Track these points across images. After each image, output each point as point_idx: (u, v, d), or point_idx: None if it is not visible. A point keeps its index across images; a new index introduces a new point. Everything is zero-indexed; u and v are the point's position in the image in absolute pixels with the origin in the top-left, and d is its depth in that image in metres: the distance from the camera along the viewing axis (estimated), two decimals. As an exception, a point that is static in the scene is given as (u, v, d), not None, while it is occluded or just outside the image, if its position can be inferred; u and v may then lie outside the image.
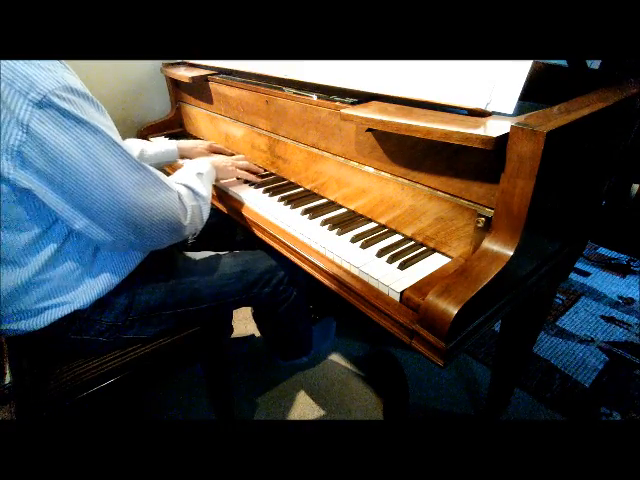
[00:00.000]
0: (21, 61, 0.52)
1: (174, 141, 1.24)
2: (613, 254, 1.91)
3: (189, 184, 0.80)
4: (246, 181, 1.11)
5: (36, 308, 0.69)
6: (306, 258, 0.81)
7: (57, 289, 0.70)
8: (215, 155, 1.21)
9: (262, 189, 1.05)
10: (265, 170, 1.18)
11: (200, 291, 0.86)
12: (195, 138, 1.53)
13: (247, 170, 1.11)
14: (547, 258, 0.74)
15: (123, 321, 0.78)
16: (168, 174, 1.29)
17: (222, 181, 1.12)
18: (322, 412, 1.18)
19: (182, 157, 1.23)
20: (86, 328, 0.75)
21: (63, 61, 0.62)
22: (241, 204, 1.02)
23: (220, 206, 1.10)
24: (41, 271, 0.67)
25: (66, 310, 0.71)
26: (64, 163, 0.56)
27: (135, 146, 1.10)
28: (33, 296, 0.69)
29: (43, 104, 0.53)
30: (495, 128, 0.58)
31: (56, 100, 0.53)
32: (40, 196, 0.59)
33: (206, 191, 0.84)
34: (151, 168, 0.67)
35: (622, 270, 1.81)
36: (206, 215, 0.82)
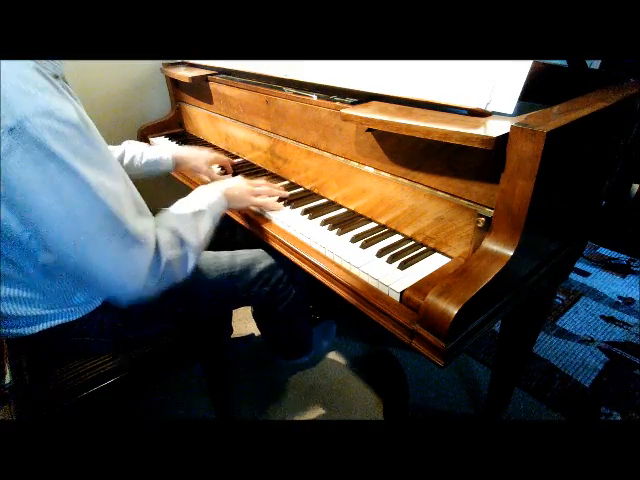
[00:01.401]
0: (3, 84, 0.48)
1: (171, 150, 1.12)
2: (613, 254, 1.91)
3: (178, 229, 0.70)
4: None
5: (31, 316, 0.69)
6: (306, 258, 0.81)
7: (52, 302, 0.69)
8: (228, 177, 1.07)
9: (262, 189, 1.05)
10: (265, 170, 1.18)
11: (199, 290, 0.86)
12: (195, 138, 1.54)
13: (268, 195, 0.97)
14: (547, 258, 0.74)
15: (123, 322, 0.78)
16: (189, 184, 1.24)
17: None
18: (322, 412, 1.18)
19: (179, 167, 1.13)
20: (87, 329, 0.75)
21: (59, 84, 0.58)
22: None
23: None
24: (33, 286, 0.66)
25: (62, 320, 0.71)
26: (27, 197, 0.51)
27: (129, 151, 1.07)
28: (28, 306, 0.68)
29: (16, 131, 0.48)
30: (495, 128, 0.58)
31: (31, 127, 0.49)
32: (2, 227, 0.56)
33: (197, 237, 0.73)
34: (129, 219, 0.60)
35: (622, 270, 1.81)
36: (192, 264, 0.72)
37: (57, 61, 0.60)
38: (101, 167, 0.58)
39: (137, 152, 1.07)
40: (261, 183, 0.98)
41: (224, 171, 1.22)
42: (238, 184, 0.92)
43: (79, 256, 0.57)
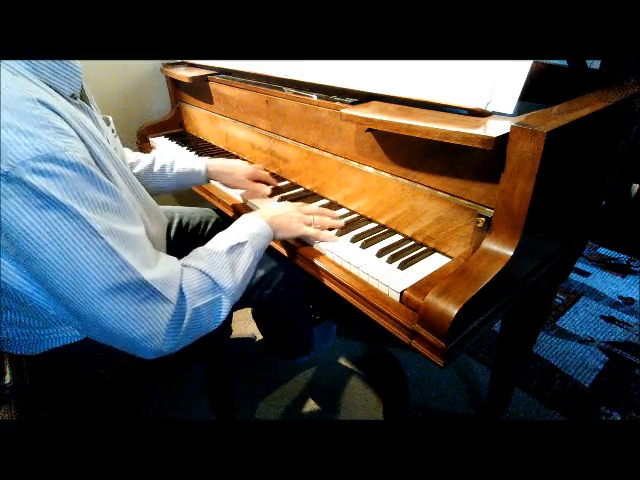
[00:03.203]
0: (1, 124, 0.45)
1: (204, 161, 1.03)
2: (613, 254, 1.91)
3: (209, 270, 0.61)
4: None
5: (30, 341, 0.66)
6: (306, 258, 0.81)
7: (52, 328, 0.65)
8: (273, 204, 0.89)
9: (262, 189, 1.05)
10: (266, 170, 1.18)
11: None
12: (195, 138, 1.54)
13: (321, 224, 0.83)
14: (547, 258, 0.74)
15: None
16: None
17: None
18: (322, 412, 1.18)
19: (213, 180, 1.05)
20: (89, 346, 0.71)
21: (67, 115, 0.54)
22: (241, 204, 1.02)
23: (220, 206, 1.10)
24: (32, 313, 0.62)
25: (62, 343, 0.68)
26: (28, 250, 0.47)
27: (160, 160, 1.02)
28: (28, 332, 0.65)
29: (11, 177, 0.44)
30: (495, 128, 0.58)
31: (27, 173, 0.44)
32: (4, 279, 0.52)
33: (233, 278, 0.63)
34: (146, 269, 0.53)
35: (622, 270, 1.80)
36: (226, 311, 0.62)
37: (71, 76, 0.58)
38: (112, 210, 0.52)
39: (167, 162, 1.02)
40: (313, 211, 0.86)
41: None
42: (286, 210, 0.81)
43: (89, 312, 0.51)
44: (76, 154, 0.49)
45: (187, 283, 0.58)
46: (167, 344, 0.56)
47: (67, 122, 0.51)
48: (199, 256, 0.64)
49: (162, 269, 0.57)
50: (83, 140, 0.54)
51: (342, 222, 0.87)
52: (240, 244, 0.67)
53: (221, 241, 0.68)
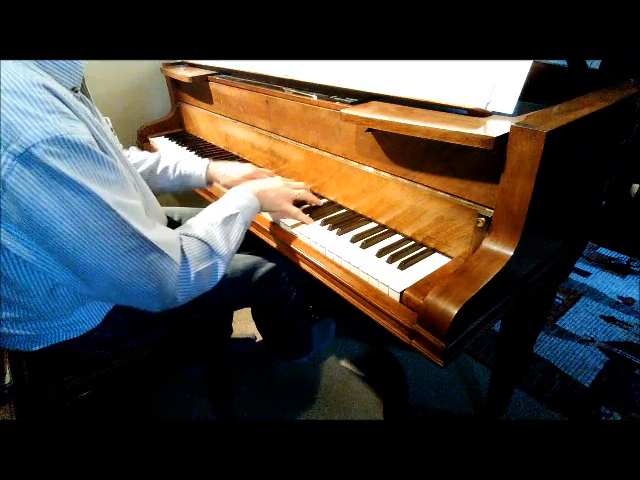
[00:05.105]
0: (10, 107, 0.47)
1: (206, 163, 1.04)
2: (613, 254, 1.91)
3: (207, 238, 0.67)
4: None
5: (30, 335, 0.68)
6: (306, 258, 0.81)
7: (50, 322, 0.67)
8: (264, 179, 0.95)
9: (262, 189, 1.05)
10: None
11: (201, 298, 0.84)
12: (195, 138, 1.54)
13: (304, 201, 0.91)
14: (547, 258, 0.74)
15: (124, 335, 0.77)
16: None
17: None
18: (322, 412, 1.18)
19: (212, 181, 1.06)
20: (88, 344, 0.73)
21: (76, 97, 0.57)
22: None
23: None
24: (32, 306, 0.65)
25: (61, 339, 0.70)
26: (44, 224, 0.50)
27: (164, 161, 1.04)
28: (26, 327, 0.67)
29: (25, 158, 0.47)
30: (495, 128, 0.58)
31: (40, 154, 0.47)
32: (16, 252, 0.55)
33: (228, 246, 0.70)
34: (150, 234, 0.58)
35: (622, 270, 1.80)
36: (222, 273, 0.69)
37: (74, 70, 0.59)
38: (117, 185, 0.56)
39: (171, 163, 1.04)
40: (300, 185, 0.93)
41: None
42: (274, 185, 0.86)
43: (104, 276, 0.55)
44: (82, 136, 0.52)
45: (189, 250, 0.64)
46: (176, 297, 0.63)
47: (69, 107, 0.54)
48: (196, 225, 0.69)
49: (162, 233, 0.62)
50: (85, 125, 0.56)
51: (321, 202, 0.94)
52: (232, 215, 0.73)
53: (215, 212, 0.73)
